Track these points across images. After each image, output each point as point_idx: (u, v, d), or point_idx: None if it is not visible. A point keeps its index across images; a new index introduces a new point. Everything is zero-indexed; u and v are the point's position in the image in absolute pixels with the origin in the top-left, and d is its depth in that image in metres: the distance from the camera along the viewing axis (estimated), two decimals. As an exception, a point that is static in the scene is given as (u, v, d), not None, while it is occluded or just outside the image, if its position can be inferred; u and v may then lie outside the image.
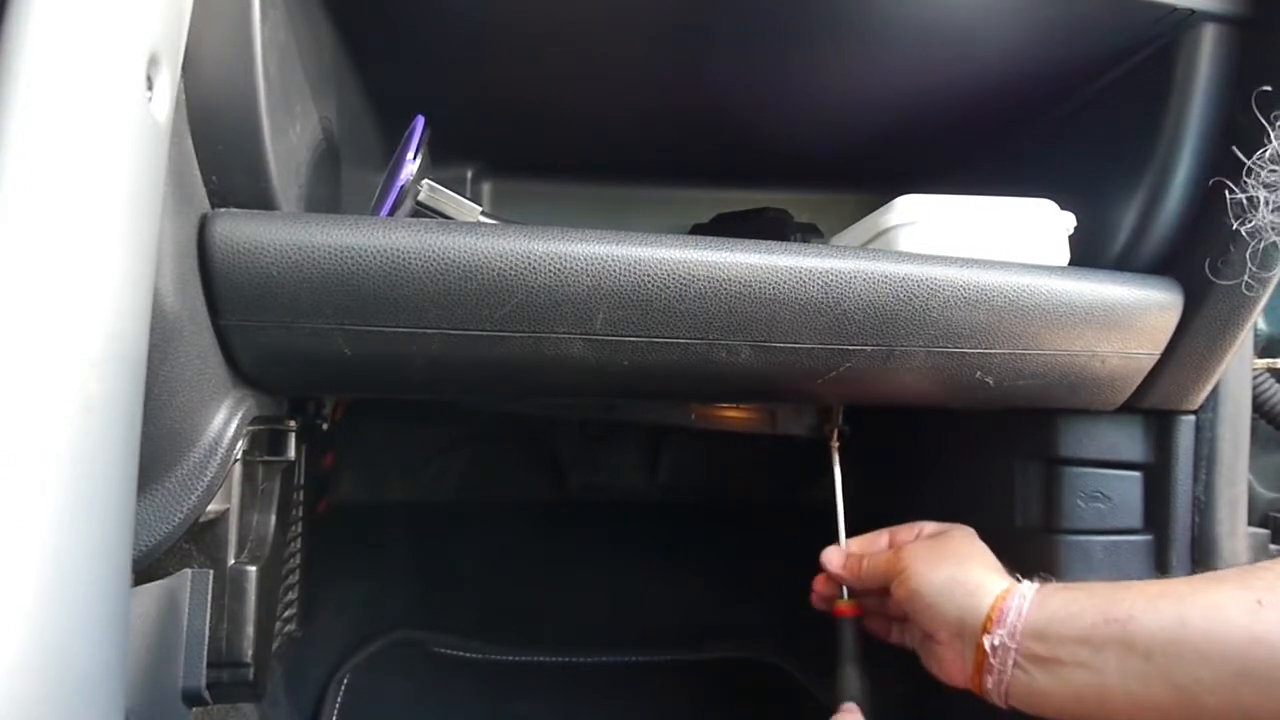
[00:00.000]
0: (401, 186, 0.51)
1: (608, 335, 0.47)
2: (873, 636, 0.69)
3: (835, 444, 0.74)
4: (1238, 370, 0.64)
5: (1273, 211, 0.50)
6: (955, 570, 0.60)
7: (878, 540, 0.68)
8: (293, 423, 0.54)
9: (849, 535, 0.70)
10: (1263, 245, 0.52)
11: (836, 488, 0.71)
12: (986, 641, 0.55)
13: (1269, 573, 0.51)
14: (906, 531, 0.67)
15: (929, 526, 0.66)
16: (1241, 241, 0.51)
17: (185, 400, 0.42)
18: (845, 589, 0.68)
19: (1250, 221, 0.51)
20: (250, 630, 0.49)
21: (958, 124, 0.68)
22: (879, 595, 0.66)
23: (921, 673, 0.62)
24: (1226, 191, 0.51)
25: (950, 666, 0.58)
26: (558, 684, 0.89)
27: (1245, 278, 0.53)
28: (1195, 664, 0.50)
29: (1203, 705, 0.50)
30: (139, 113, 0.31)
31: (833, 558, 0.69)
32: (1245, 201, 0.51)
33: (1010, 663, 0.54)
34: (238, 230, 0.42)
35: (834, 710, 0.66)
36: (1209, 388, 0.61)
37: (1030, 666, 0.54)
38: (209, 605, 0.47)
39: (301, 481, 0.63)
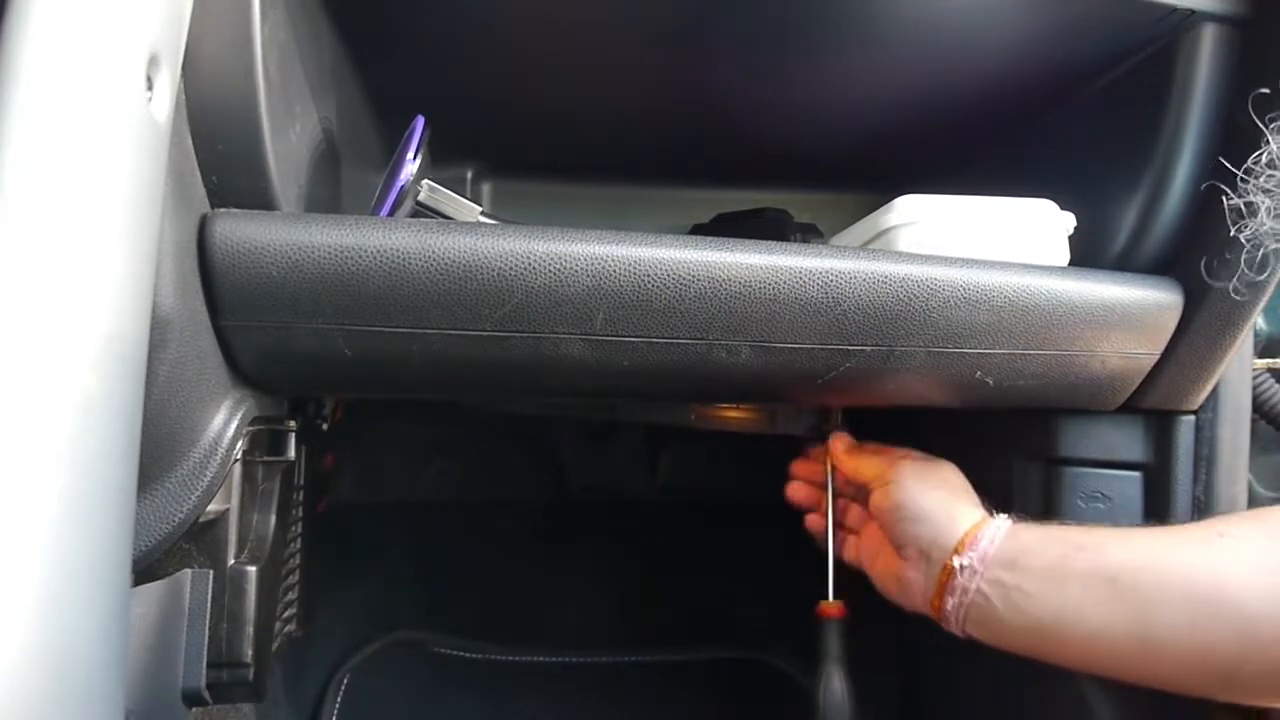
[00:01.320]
0: (401, 187, 0.51)
1: (608, 335, 0.47)
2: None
3: (829, 464, 0.72)
4: (1238, 370, 0.64)
5: (1273, 218, 0.50)
6: (945, 496, 0.60)
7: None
8: (293, 423, 0.54)
9: None
10: (1261, 252, 0.52)
11: (828, 495, 0.71)
12: (955, 561, 0.56)
13: (1236, 515, 0.54)
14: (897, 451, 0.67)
15: (916, 453, 0.66)
16: (1239, 245, 0.51)
17: (185, 400, 0.42)
18: (831, 590, 0.68)
19: (1248, 228, 0.51)
20: (250, 630, 0.49)
21: (958, 124, 0.68)
22: (848, 499, 0.68)
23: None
24: (1224, 197, 0.51)
25: (911, 587, 0.59)
26: (558, 684, 0.89)
27: (1240, 282, 0.53)
28: (1156, 589, 0.51)
29: (1158, 636, 0.51)
30: (139, 113, 0.31)
31: (837, 445, 0.69)
32: (1243, 207, 0.51)
33: (974, 586, 0.55)
34: (238, 230, 0.42)
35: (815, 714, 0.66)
36: (1209, 388, 0.61)
37: (993, 593, 0.55)
38: (209, 605, 0.47)
39: (301, 481, 0.63)
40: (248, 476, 0.50)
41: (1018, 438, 0.68)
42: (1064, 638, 0.53)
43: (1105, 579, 0.52)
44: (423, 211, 0.53)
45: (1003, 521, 0.57)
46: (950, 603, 0.56)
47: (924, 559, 0.58)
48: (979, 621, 0.55)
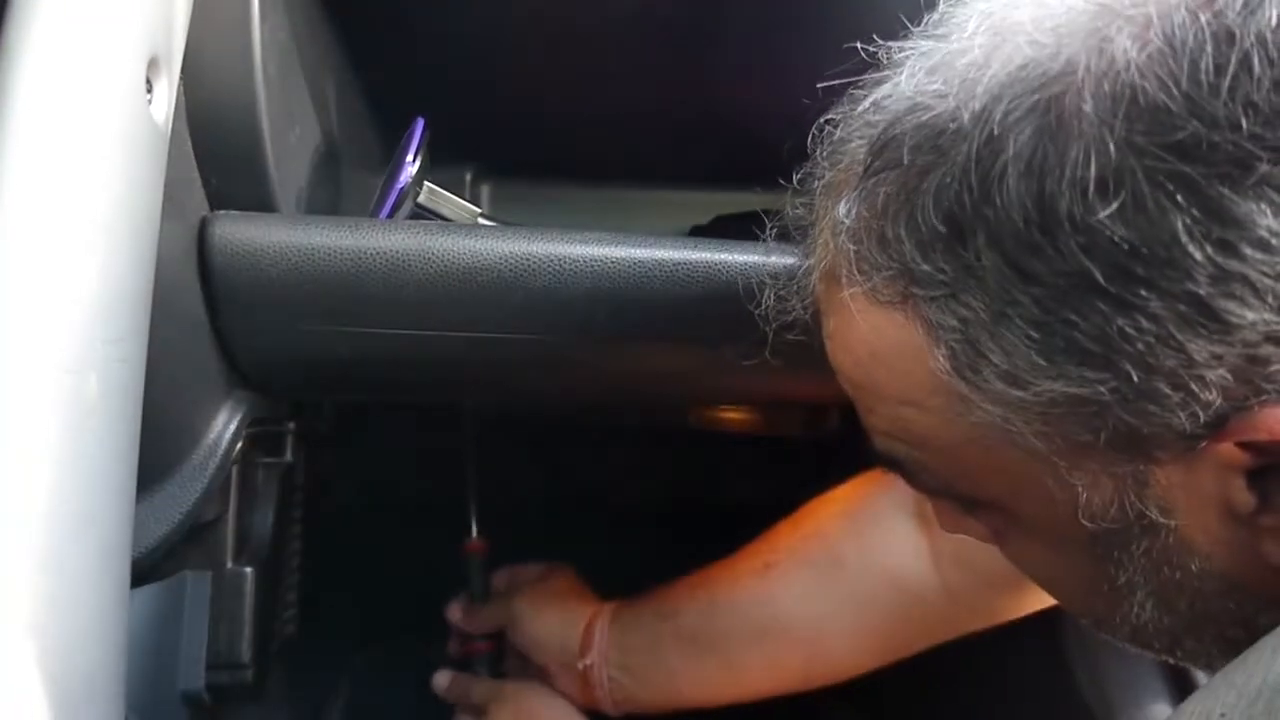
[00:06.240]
0: (401, 189, 0.51)
1: (608, 336, 0.47)
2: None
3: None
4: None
5: None
6: (556, 612, 0.69)
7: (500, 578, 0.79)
8: (292, 425, 0.54)
9: None
10: None
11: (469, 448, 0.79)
12: (580, 665, 0.64)
13: (777, 539, 0.63)
14: (526, 572, 0.78)
15: (534, 569, 0.77)
16: None
17: (185, 403, 0.42)
18: (474, 529, 0.80)
19: None
20: (249, 632, 0.49)
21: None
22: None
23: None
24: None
25: (569, 690, 0.66)
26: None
27: None
28: (725, 632, 0.60)
29: (740, 667, 0.61)
30: (138, 115, 0.31)
31: (454, 614, 0.79)
32: None
33: (606, 677, 0.63)
34: (237, 232, 0.42)
35: None
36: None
37: (621, 677, 0.63)
38: (208, 607, 0.47)
39: (301, 483, 0.63)
40: (247, 478, 0.50)
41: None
42: (682, 694, 0.62)
43: (690, 639, 0.61)
44: (422, 213, 0.53)
45: (608, 610, 0.66)
46: (599, 694, 0.64)
47: (566, 668, 0.65)
48: (624, 700, 0.64)
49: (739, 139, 0.72)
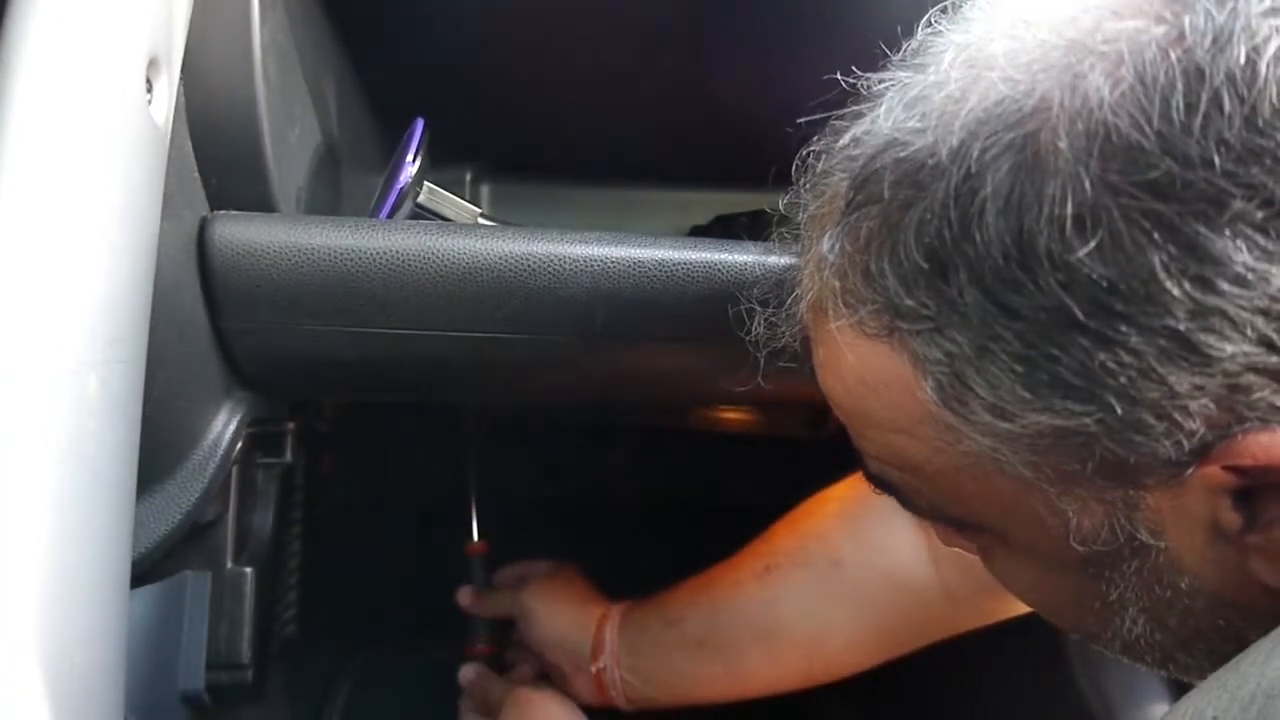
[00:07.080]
0: (401, 189, 0.51)
1: (607, 336, 0.47)
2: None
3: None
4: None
5: None
6: (568, 609, 0.70)
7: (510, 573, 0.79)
8: (292, 425, 0.54)
9: None
10: None
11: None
12: (593, 668, 0.65)
13: (777, 538, 0.64)
14: (533, 568, 0.78)
15: (543, 566, 0.77)
16: None
17: (185, 403, 0.42)
18: (475, 533, 0.81)
19: None
20: (248, 632, 0.49)
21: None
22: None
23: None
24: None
25: (581, 690, 0.67)
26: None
27: None
28: (728, 636, 0.62)
29: (744, 669, 0.62)
30: (138, 116, 0.31)
31: (464, 597, 0.78)
32: None
33: (619, 679, 0.65)
34: (237, 232, 0.42)
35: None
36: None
37: (633, 678, 0.65)
38: (208, 607, 0.47)
39: (300, 483, 0.63)
40: (246, 478, 0.50)
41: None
42: (690, 693, 0.64)
43: (695, 644, 0.62)
44: (422, 214, 0.53)
45: (616, 613, 0.67)
46: (613, 694, 0.65)
47: (578, 670, 0.66)
48: (636, 699, 0.65)
49: (739, 139, 0.72)
